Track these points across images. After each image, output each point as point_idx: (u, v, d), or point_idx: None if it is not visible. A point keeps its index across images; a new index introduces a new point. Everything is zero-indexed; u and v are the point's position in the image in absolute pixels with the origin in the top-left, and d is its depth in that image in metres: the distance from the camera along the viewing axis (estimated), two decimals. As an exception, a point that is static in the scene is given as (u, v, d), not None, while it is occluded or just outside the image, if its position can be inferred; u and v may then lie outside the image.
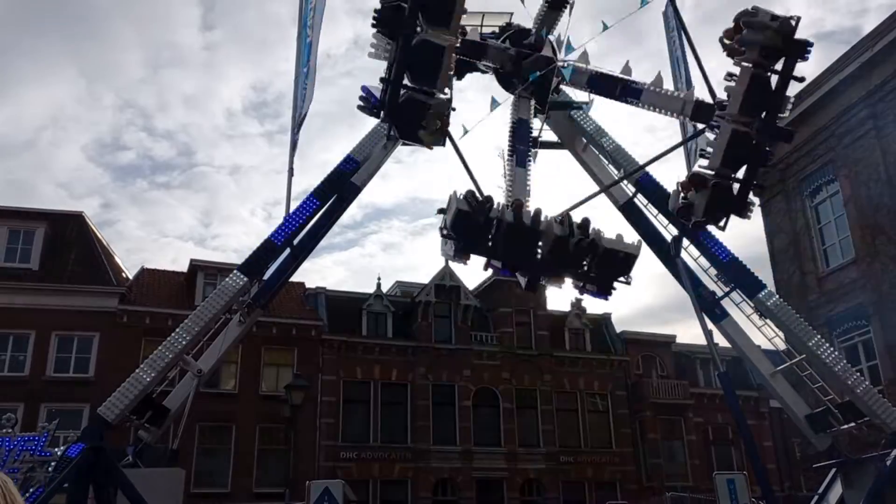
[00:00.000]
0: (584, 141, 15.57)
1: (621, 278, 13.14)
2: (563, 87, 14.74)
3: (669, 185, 14.41)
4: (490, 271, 13.99)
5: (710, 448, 35.83)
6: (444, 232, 12.32)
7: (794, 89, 12.93)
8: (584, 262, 12.85)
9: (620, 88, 13.81)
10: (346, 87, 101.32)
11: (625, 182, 14.99)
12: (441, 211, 12.33)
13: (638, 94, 13.64)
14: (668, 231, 14.38)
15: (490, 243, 12.20)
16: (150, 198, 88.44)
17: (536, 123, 15.86)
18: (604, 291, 13.17)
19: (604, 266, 12.91)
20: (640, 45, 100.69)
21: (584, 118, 15.13)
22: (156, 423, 12.51)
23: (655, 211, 14.44)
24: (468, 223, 11.77)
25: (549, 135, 16.03)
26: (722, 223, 12.90)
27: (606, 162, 15.25)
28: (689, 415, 35.64)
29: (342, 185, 14.16)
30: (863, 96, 19.02)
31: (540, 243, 12.45)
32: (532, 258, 12.55)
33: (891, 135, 18.34)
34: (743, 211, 12.65)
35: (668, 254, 14.39)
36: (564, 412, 34.52)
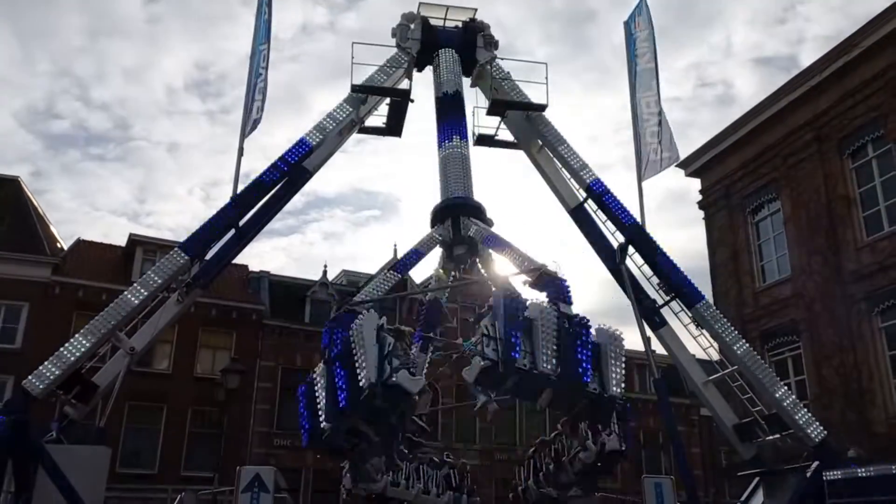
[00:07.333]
0: (540, 143, 15.67)
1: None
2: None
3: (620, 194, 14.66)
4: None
5: (641, 452, 36.60)
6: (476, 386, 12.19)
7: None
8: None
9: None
10: (291, 72, 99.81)
11: (576, 187, 15.15)
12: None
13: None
14: (615, 238, 14.62)
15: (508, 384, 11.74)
16: (82, 169, 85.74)
17: (491, 121, 15.94)
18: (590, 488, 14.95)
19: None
20: (589, 53, 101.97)
21: (542, 121, 15.23)
22: (83, 400, 12.07)
23: (604, 217, 14.65)
24: (492, 374, 11.32)
25: (505, 133, 16.15)
26: None
27: (559, 165, 15.39)
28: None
29: (294, 167, 13.94)
30: (809, 119, 19.62)
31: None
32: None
33: (833, 159, 18.96)
34: None
35: (613, 260, 14.63)
36: (504, 414, 34.70)
